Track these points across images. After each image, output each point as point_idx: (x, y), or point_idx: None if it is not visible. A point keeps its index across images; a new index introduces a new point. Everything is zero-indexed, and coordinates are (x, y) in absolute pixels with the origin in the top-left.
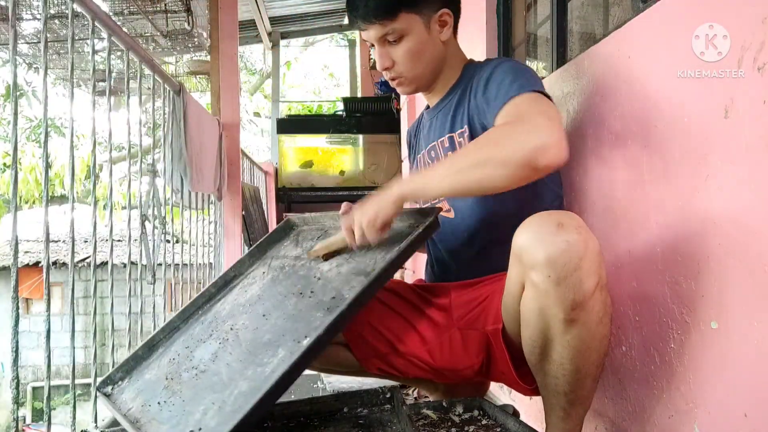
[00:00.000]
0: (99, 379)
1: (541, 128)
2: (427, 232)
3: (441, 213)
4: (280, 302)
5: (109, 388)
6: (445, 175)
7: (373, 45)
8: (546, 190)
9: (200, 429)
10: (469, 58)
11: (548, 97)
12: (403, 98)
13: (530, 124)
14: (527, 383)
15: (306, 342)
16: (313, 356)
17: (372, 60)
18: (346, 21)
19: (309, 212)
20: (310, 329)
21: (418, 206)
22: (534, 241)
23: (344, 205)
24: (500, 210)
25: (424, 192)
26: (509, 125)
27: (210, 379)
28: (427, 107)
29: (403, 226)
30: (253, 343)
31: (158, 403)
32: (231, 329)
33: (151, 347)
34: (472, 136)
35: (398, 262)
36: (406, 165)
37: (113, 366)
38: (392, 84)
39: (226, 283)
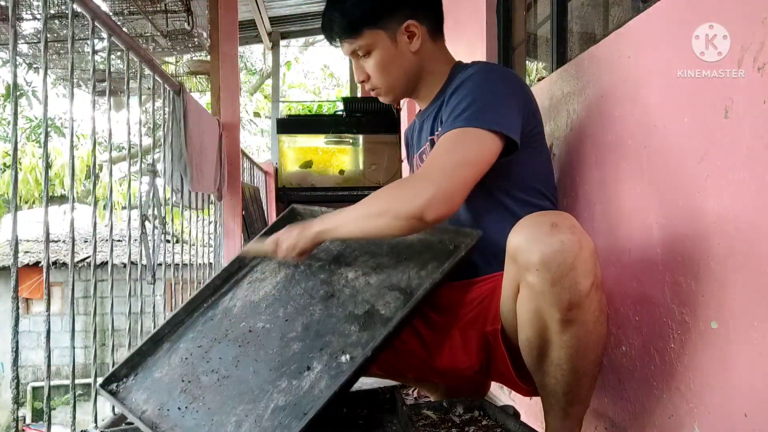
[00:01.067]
0: (101, 378)
1: (432, 184)
2: (469, 255)
3: None
4: (303, 308)
5: (114, 386)
6: (352, 220)
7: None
8: (530, 186)
9: None
10: (468, 60)
11: (497, 128)
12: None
13: (425, 179)
14: (527, 384)
15: (345, 360)
16: (358, 377)
17: None
18: None
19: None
20: (346, 345)
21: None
22: (528, 242)
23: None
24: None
25: (335, 233)
26: (409, 179)
27: (236, 386)
28: (419, 111)
29: (435, 240)
30: (280, 352)
31: (178, 408)
32: (250, 331)
33: (156, 342)
34: None
35: (441, 283)
36: (405, 165)
37: (113, 366)
38: (372, 94)
39: (231, 275)
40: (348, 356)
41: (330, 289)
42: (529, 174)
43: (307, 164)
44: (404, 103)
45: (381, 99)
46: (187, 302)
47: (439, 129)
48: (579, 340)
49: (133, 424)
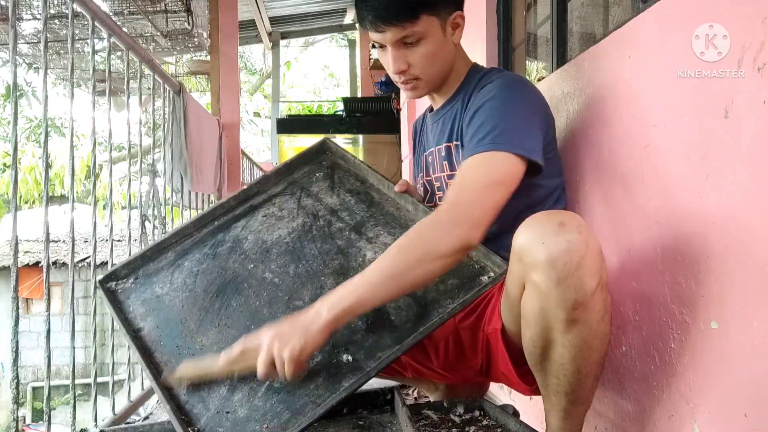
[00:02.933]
0: (101, 275)
1: (466, 216)
2: (494, 282)
3: None
4: (314, 274)
5: (113, 284)
6: (382, 282)
7: (381, 46)
8: (548, 197)
9: (227, 412)
10: (471, 59)
11: (521, 152)
12: (403, 98)
13: (457, 213)
14: (528, 383)
15: (345, 360)
16: (354, 392)
17: (372, 60)
18: (346, 21)
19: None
20: (350, 341)
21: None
22: (535, 241)
23: (399, 188)
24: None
25: (361, 309)
26: (438, 219)
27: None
28: (431, 108)
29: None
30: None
31: (176, 346)
32: (257, 279)
33: (160, 250)
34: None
35: (465, 305)
36: (405, 165)
37: (113, 366)
38: (405, 87)
39: (247, 198)
40: (350, 357)
41: (345, 262)
42: (544, 188)
43: None
44: (404, 103)
45: (413, 93)
46: (198, 216)
47: (456, 141)
48: (583, 340)
49: (131, 423)
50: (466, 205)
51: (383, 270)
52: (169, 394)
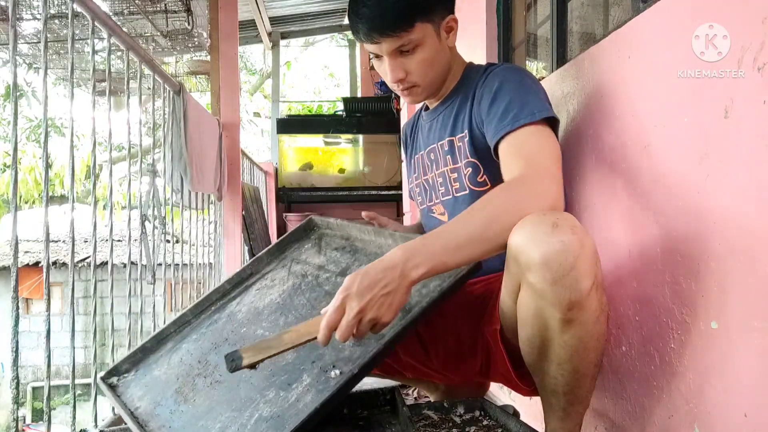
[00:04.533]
0: (103, 372)
1: (553, 180)
2: (471, 274)
3: (435, 216)
4: (303, 318)
5: (114, 380)
6: (469, 244)
7: (377, 56)
8: None
9: None
10: (468, 60)
11: (551, 119)
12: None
13: (543, 177)
14: (526, 384)
15: (334, 375)
16: (344, 394)
17: (372, 61)
18: (346, 21)
19: (312, 212)
20: (338, 359)
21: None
22: (529, 241)
23: (366, 215)
24: None
25: (445, 269)
26: (524, 184)
27: (227, 393)
28: (426, 108)
29: None
30: (273, 361)
31: (169, 409)
32: (255, 335)
33: (160, 340)
34: (472, 141)
35: (439, 303)
36: (405, 166)
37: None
38: (404, 95)
39: (242, 280)
40: (338, 371)
41: (333, 291)
42: None
43: (307, 166)
44: (404, 104)
45: (411, 99)
46: (195, 304)
47: (464, 131)
48: (579, 339)
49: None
50: (549, 171)
51: (472, 235)
52: None
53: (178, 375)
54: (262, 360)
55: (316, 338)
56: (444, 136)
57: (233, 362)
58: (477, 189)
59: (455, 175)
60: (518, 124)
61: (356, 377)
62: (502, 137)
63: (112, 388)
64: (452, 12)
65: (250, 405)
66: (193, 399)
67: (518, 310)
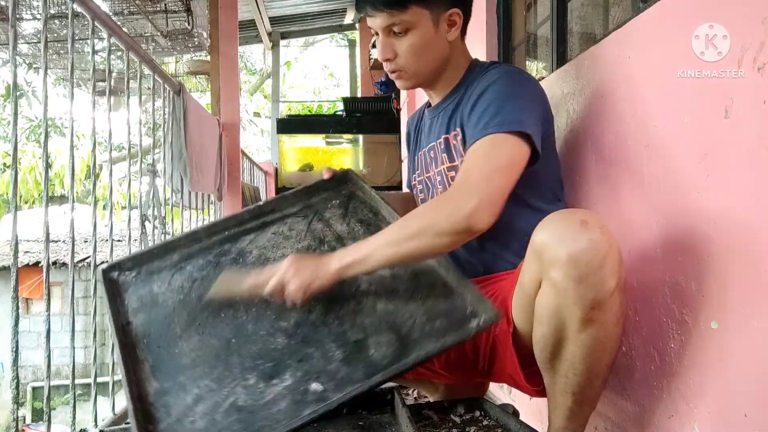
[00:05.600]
0: (105, 264)
1: (475, 193)
2: (478, 334)
3: None
4: (327, 305)
5: (115, 274)
6: (384, 245)
7: (376, 33)
8: (545, 190)
9: (188, 420)
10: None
11: (526, 133)
12: (403, 98)
13: (466, 189)
14: (533, 384)
15: (313, 390)
16: (319, 419)
17: (372, 60)
18: (346, 21)
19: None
20: (323, 370)
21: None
22: (556, 238)
23: (326, 171)
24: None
25: (363, 266)
26: (447, 194)
27: (212, 353)
28: (429, 104)
29: (458, 291)
30: (264, 339)
31: (158, 346)
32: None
33: (168, 249)
34: (464, 139)
35: (437, 355)
36: (405, 165)
37: (113, 366)
38: (391, 76)
39: (261, 214)
40: (319, 386)
41: (340, 291)
42: (543, 179)
43: (307, 167)
44: (404, 103)
45: (398, 83)
46: (210, 224)
47: (456, 129)
48: (597, 340)
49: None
50: (472, 185)
51: (387, 237)
52: (138, 392)
53: (175, 303)
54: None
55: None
56: (442, 133)
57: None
58: None
59: (453, 173)
60: (485, 132)
61: (331, 411)
62: (469, 147)
63: (112, 282)
64: (458, 6)
65: (230, 382)
66: (181, 345)
67: (536, 306)
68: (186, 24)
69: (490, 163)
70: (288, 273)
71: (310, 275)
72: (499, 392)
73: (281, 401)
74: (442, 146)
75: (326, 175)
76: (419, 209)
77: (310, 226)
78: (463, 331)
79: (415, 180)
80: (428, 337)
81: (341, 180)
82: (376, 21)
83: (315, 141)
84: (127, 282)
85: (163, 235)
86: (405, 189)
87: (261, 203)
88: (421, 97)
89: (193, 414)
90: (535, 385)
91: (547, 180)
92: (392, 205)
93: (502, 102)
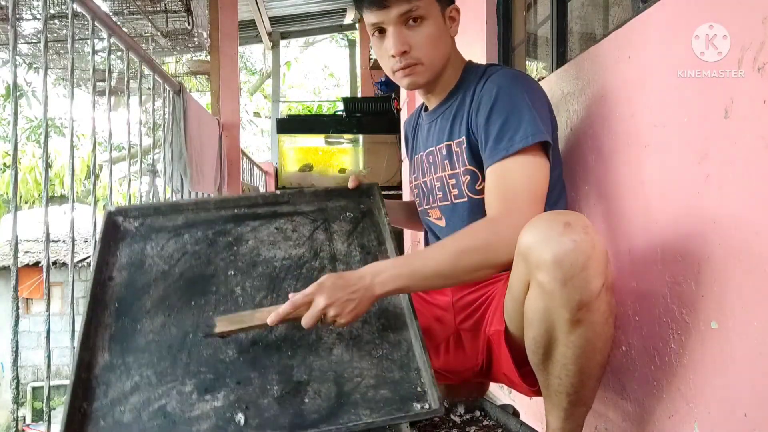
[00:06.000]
0: (113, 206)
1: (517, 234)
2: (424, 418)
3: (432, 220)
4: (288, 330)
5: (120, 218)
6: (431, 278)
7: (380, 31)
8: (551, 191)
9: (122, 410)
10: (467, 59)
11: (545, 143)
12: (403, 98)
13: (506, 231)
14: (529, 384)
15: (237, 422)
16: None
17: (372, 60)
18: (346, 21)
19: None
20: (253, 402)
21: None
22: (540, 240)
23: (352, 180)
24: None
25: (406, 292)
26: (488, 232)
27: (171, 341)
28: (425, 108)
29: (413, 374)
30: (218, 345)
31: (123, 317)
32: (231, 292)
33: (174, 209)
34: (470, 147)
35: (370, 427)
36: (405, 165)
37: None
38: (403, 73)
39: (275, 202)
40: (242, 419)
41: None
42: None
43: (307, 167)
44: (404, 103)
45: (411, 78)
46: (222, 197)
47: (461, 137)
48: (586, 340)
49: None
50: (519, 213)
51: (439, 269)
52: (89, 360)
53: (157, 273)
54: (233, 332)
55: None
56: (442, 139)
57: (206, 328)
58: (476, 197)
59: (453, 181)
60: (512, 150)
61: None
62: (491, 164)
63: (114, 225)
64: (454, 2)
65: (170, 381)
66: (145, 321)
67: (526, 309)
68: (186, 24)
69: (530, 186)
70: (329, 312)
71: (353, 312)
72: (499, 392)
73: (203, 422)
74: (443, 152)
75: (351, 184)
76: (469, 243)
77: (313, 234)
78: (403, 409)
79: (412, 182)
80: (366, 405)
81: (364, 192)
82: (391, 12)
83: (315, 141)
84: (128, 231)
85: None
86: (405, 195)
87: (278, 192)
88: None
89: (126, 403)
90: (531, 385)
91: (552, 180)
92: (400, 212)
93: (520, 113)
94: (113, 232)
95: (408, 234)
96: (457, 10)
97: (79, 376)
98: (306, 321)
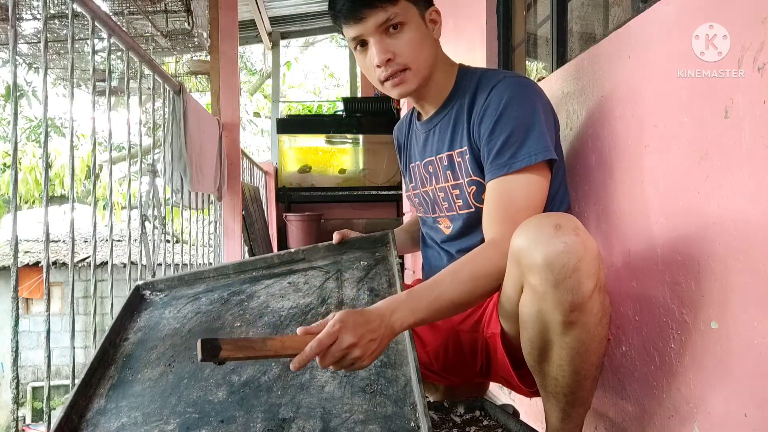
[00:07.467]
0: (142, 280)
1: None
2: None
3: (441, 228)
4: (270, 361)
5: (148, 292)
6: (446, 309)
7: (362, 45)
8: (554, 197)
9: None
10: (466, 60)
11: (550, 156)
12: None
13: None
14: (528, 385)
15: None
16: None
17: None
18: None
19: (312, 212)
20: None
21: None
22: (532, 243)
23: (336, 239)
24: None
25: (425, 322)
26: (499, 257)
27: (158, 393)
28: (418, 115)
29: (402, 414)
30: (209, 388)
31: (130, 368)
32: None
33: (197, 278)
34: (473, 156)
35: None
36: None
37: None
38: (392, 83)
39: (291, 261)
40: None
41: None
42: (551, 186)
43: (305, 169)
44: (404, 103)
45: (401, 87)
46: (240, 261)
47: (462, 147)
48: (581, 341)
49: None
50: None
51: (455, 298)
52: (85, 404)
53: (168, 331)
54: (239, 359)
55: (296, 355)
56: (442, 149)
57: (208, 351)
58: (483, 207)
59: (457, 191)
60: (514, 167)
61: None
62: (492, 179)
63: (140, 298)
64: (433, 4)
65: (155, 422)
66: (148, 371)
67: (520, 312)
68: (186, 24)
69: (532, 206)
70: (354, 353)
71: (376, 353)
72: (499, 392)
73: None
74: (444, 163)
75: (336, 240)
76: (480, 270)
77: (324, 284)
78: None
79: (411, 191)
80: None
81: (378, 241)
82: (368, 23)
83: (315, 141)
84: (153, 302)
85: (163, 235)
86: (404, 194)
87: (293, 250)
88: None
89: None
90: (529, 387)
91: (554, 186)
92: (408, 241)
93: (526, 128)
94: (138, 303)
95: None
96: (437, 12)
97: (69, 417)
98: (326, 361)
